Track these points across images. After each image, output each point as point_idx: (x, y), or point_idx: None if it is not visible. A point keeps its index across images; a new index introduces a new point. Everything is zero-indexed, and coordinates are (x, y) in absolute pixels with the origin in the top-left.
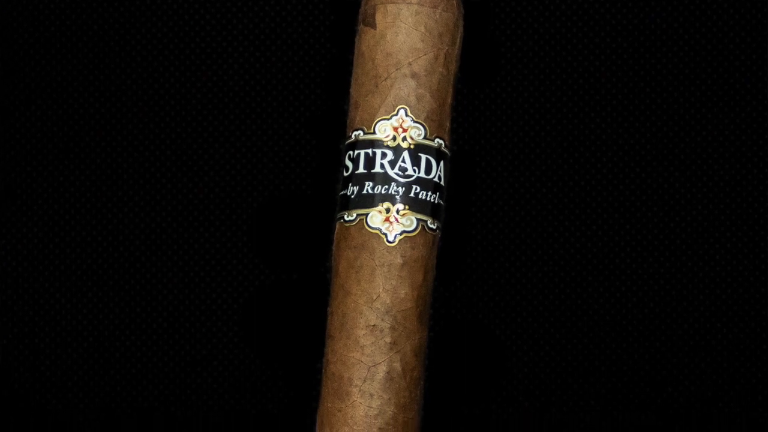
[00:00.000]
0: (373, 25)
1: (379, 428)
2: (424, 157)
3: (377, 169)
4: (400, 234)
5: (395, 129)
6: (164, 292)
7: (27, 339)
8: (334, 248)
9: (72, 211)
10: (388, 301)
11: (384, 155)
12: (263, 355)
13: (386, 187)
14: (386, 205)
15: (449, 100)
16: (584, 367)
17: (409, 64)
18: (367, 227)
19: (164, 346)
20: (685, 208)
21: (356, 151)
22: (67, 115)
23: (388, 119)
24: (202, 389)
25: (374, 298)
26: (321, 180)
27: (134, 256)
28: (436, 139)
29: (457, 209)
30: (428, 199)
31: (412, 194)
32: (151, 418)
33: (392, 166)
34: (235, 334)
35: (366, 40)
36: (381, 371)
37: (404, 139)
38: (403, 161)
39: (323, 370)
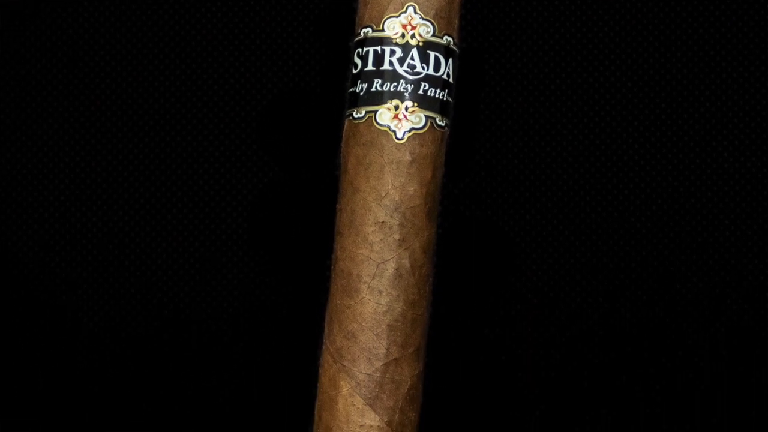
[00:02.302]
0: None
1: (388, 325)
2: (432, 54)
3: (386, 66)
4: (409, 131)
5: (404, 26)
6: (173, 189)
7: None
8: (342, 145)
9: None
10: (396, 198)
11: (393, 52)
12: (272, 253)
13: (395, 84)
14: (395, 102)
15: None
16: (593, 263)
17: None
18: (375, 124)
19: (173, 244)
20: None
21: (365, 49)
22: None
23: (397, 16)
24: (211, 287)
25: (383, 195)
26: (330, 77)
27: (142, 153)
28: (445, 37)
29: (466, 106)
30: (437, 96)
31: (420, 91)
32: (159, 320)
33: (401, 64)
34: (245, 231)
35: None
36: (390, 268)
37: (413, 36)
38: (412, 58)
39: (332, 267)
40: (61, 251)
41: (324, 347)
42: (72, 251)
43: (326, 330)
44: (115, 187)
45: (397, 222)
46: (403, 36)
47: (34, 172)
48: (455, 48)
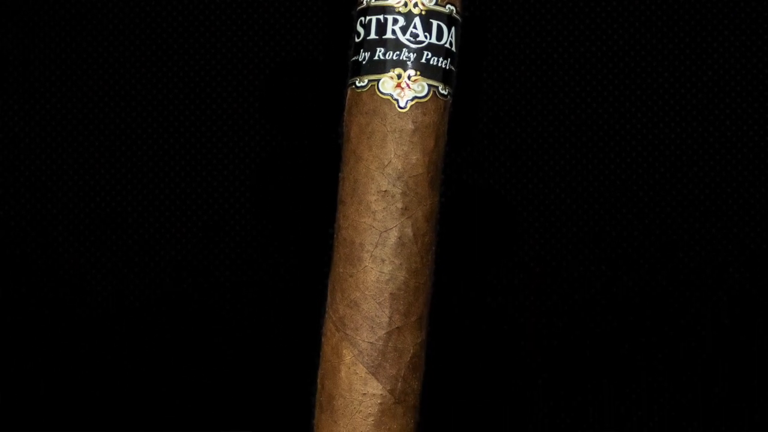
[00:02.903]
0: None
1: (391, 293)
2: (435, 23)
3: (389, 35)
4: (412, 100)
5: None
6: (176, 157)
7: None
8: (345, 114)
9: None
10: (399, 167)
11: (395, 21)
12: (275, 222)
13: (397, 53)
14: (397, 71)
15: None
16: (595, 231)
17: None
18: (378, 93)
19: (176, 213)
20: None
21: (368, 17)
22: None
23: None
24: (214, 256)
25: (386, 163)
26: (333, 46)
27: (145, 121)
28: (448, 5)
29: (469, 75)
30: (439, 65)
31: (423, 60)
32: (161, 287)
33: (404, 32)
34: (247, 200)
35: None
36: (392, 236)
37: (415, 5)
38: (415, 27)
39: (335, 236)
40: (59, 221)
41: (327, 316)
42: (72, 219)
43: (329, 299)
44: (116, 153)
45: (400, 190)
46: (405, 5)
47: (32, 126)
48: (458, 17)
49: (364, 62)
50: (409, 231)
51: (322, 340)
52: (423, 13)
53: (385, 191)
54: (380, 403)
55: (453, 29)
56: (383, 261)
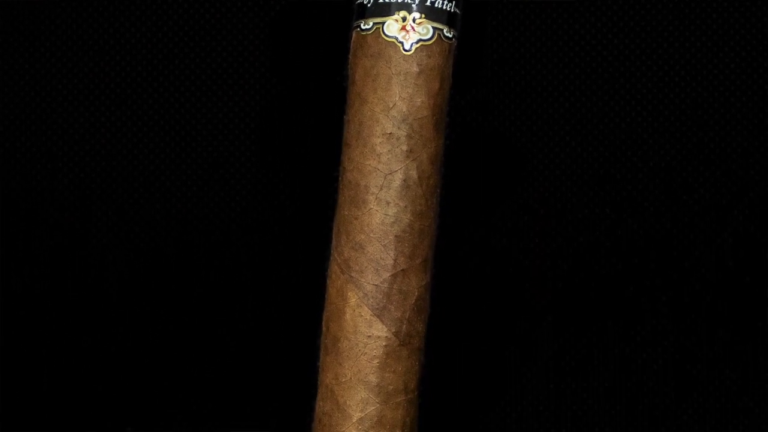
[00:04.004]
0: None
1: (395, 235)
2: None
3: None
4: (417, 42)
5: None
6: (181, 100)
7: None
8: (350, 57)
9: None
10: (404, 110)
11: None
12: (280, 165)
13: None
14: (402, 13)
15: None
16: (600, 174)
17: None
18: (383, 36)
19: (180, 155)
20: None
21: None
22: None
23: None
24: (219, 199)
25: (390, 106)
26: None
27: (146, 71)
28: None
29: (474, 18)
30: (444, 7)
31: (428, 3)
32: (166, 230)
33: None
34: (252, 143)
35: None
36: (397, 179)
37: None
38: None
39: (340, 178)
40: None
41: (332, 258)
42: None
43: (334, 241)
44: (118, 101)
45: (405, 133)
46: None
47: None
48: None
49: (368, 5)
50: (413, 173)
51: (327, 282)
52: None
53: (390, 134)
54: (385, 346)
55: None
56: (388, 203)
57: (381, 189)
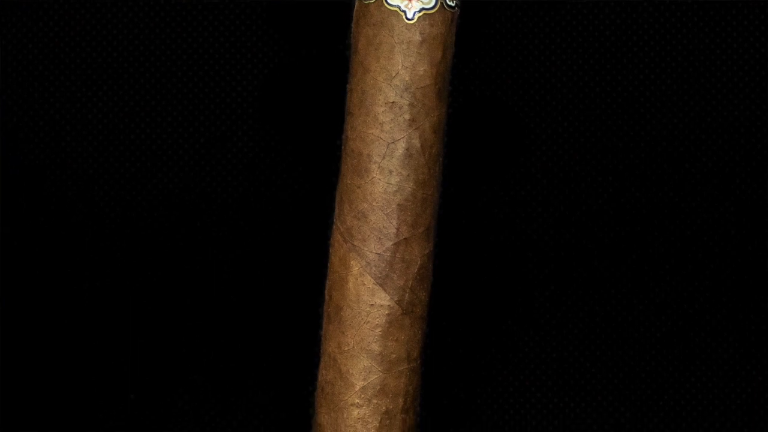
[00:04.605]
0: None
1: (398, 204)
2: None
3: None
4: (419, 11)
5: None
6: (183, 68)
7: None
8: (353, 26)
9: None
10: (407, 78)
11: None
12: (283, 133)
13: None
14: None
15: None
16: (603, 142)
17: None
18: (386, 5)
19: (183, 123)
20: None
21: None
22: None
23: None
24: (222, 167)
25: (393, 75)
26: None
27: (149, 37)
28: None
29: None
30: None
31: None
32: (168, 200)
33: None
34: (255, 110)
35: None
36: (400, 148)
37: None
38: None
39: (342, 147)
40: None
41: (334, 227)
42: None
43: (337, 210)
44: (119, 69)
45: (408, 102)
46: None
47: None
48: None
49: None
50: (416, 142)
51: (330, 251)
52: None
53: (393, 102)
54: (388, 314)
55: None
56: (391, 172)
57: (384, 158)
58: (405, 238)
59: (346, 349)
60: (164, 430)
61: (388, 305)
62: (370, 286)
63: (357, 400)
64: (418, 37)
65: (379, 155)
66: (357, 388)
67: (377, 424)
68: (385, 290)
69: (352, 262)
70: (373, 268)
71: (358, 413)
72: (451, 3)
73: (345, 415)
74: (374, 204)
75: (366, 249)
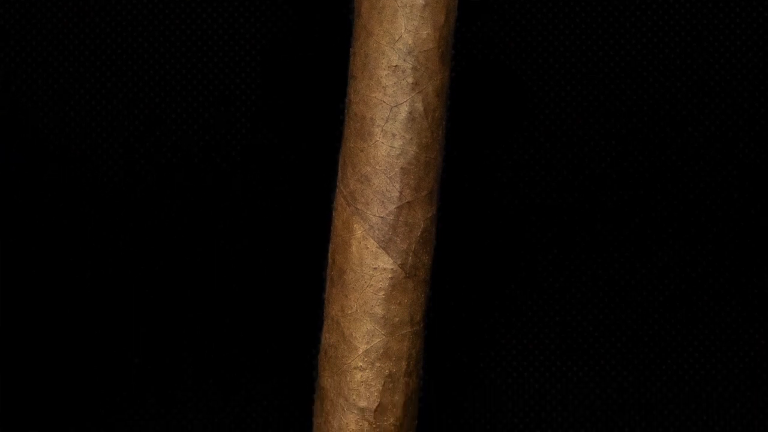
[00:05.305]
0: None
1: (401, 167)
2: None
3: None
4: None
5: None
6: (187, 32)
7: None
8: None
9: None
10: (410, 42)
11: None
12: (286, 97)
13: None
14: None
15: None
16: (606, 106)
17: None
18: None
19: (186, 88)
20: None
21: None
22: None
23: None
24: (225, 130)
25: (396, 38)
26: None
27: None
28: None
29: None
30: None
31: None
32: (171, 163)
33: None
34: (259, 76)
35: None
36: (403, 111)
37: None
38: None
39: (346, 111)
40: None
41: (337, 190)
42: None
43: (340, 173)
44: (123, 35)
45: (411, 65)
46: None
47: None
48: None
49: None
50: (419, 106)
51: (333, 214)
52: None
53: (396, 66)
54: (391, 278)
55: None
56: (394, 136)
57: (387, 121)
58: (408, 202)
59: (349, 312)
60: (167, 393)
61: (391, 268)
62: (373, 249)
63: (360, 364)
64: (421, 1)
65: (382, 119)
66: (360, 351)
67: (380, 387)
68: (388, 253)
69: (355, 226)
70: (377, 232)
71: (362, 376)
72: None
73: (348, 378)
74: (377, 167)
75: (369, 212)
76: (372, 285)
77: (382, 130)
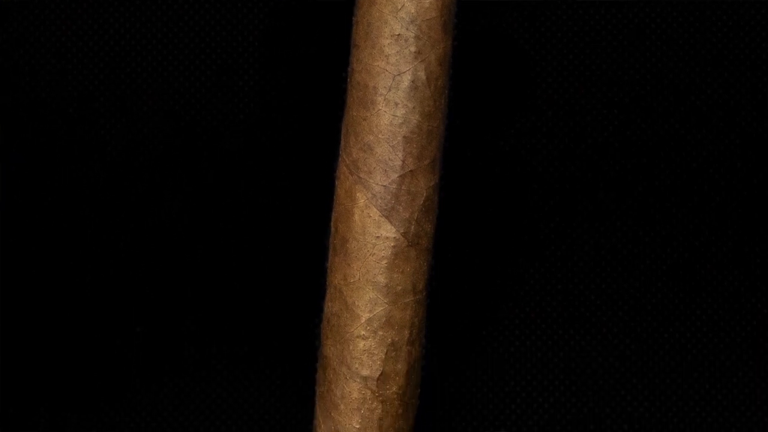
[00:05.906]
0: None
1: (404, 136)
2: None
3: None
4: None
5: None
6: (189, 12)
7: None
8: None
9: None
10: (412, 11)
11: None
12: (289, 66)
13: None
14: None
15: None
16: (608, 75)
17: None
18: None
19: (187, 59)
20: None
21: None
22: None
23: None
24: (227, 99)
25: (399, 7)
26: None
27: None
28: None
29: None
30: None
31: None
32: (173, 139)
33: None
34: (260, 45)
35: None
36: (406, 80)
37: None
38: None
39: (348, 79)
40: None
41: (340, 159)
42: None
43: (342, 142)
44: (125, 23)
45: (413, 34)
46: None
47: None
48: None
49: None
50: (422, 74)
51: (336, 183)
52: None
53: (399, 35)
54: (393, 246)
55: None
56: (396, 104)
57: (389, 90)
58: (411, 170)
59: (351, 281)
60: (169, 365)
61: (394, 237)
62: (376, 218)
63: (363, 332)
64: None
65: (384, 87)
66: (363, 320)
67: (383, 356)
68: (390, 222)
69: (358, 194)
70: (379, 200)
71: (364, 345)
72: None
73: (351, 347)
74: (380, 136)
75: (372, 181)
76: (375, 253)
77: (384, 99)
